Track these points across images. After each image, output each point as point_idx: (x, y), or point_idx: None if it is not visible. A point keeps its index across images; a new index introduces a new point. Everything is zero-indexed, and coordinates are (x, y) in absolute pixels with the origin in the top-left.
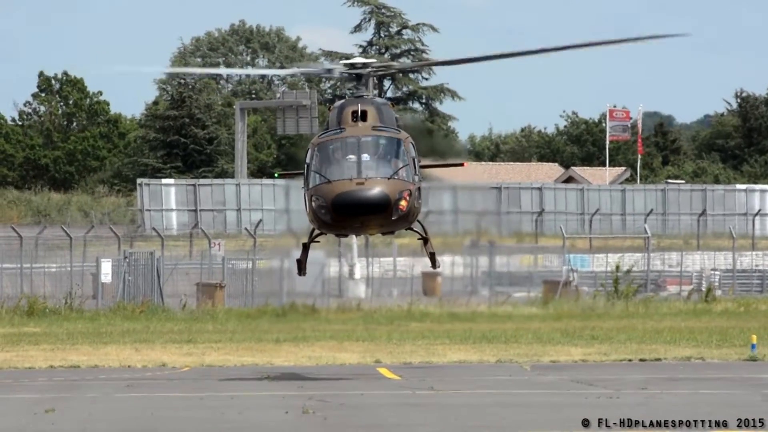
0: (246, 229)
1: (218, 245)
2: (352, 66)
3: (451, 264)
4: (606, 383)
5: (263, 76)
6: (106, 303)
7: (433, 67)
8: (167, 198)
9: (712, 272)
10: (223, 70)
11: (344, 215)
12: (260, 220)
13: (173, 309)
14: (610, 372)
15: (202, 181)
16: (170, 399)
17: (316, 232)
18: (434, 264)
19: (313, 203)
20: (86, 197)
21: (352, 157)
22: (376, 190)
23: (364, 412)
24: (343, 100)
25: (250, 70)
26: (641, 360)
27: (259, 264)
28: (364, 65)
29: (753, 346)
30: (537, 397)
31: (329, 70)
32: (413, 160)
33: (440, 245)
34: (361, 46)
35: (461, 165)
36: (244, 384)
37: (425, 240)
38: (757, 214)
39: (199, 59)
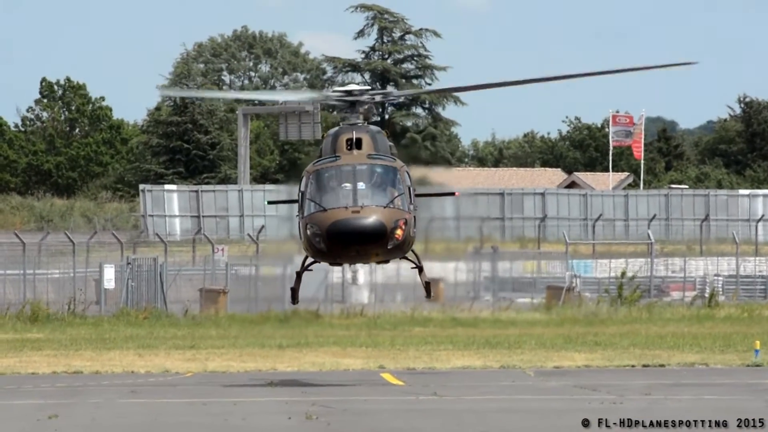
0: (249, 234)
1: (221, 251)
2: (348, 93)
3: (454, 270)
4: (609, 389)
5: (266, 82)
6: (109, 309)
7: (435, 72)
8: (170, 204)
9: (716, 278)
10: (211, 93)
11: (339, 243)
12: (263, 226)
13: (176, 315)
14: (613, 378)
15: (204, 187)
16: (173, 405)
17: (310, 260)
18: (429, 294)
19: (307, 231)
20: (89, 203)
21: (348, 186)
22: (372, 219)
23: (368, 418)
24: (337, 128)
25: (240, 94)
26: (644, 366)
27: (262, 270)
28: (360, 93)
29: (756, 352)
30: (540, 403)
31: (325, 97)
32: (409, 189)
33: (443, 251)
34: (363, 51)
35: (453, 194)
36: (248, 390)
37: (420, 269)
38: (760, 220)
39: (201, 65)
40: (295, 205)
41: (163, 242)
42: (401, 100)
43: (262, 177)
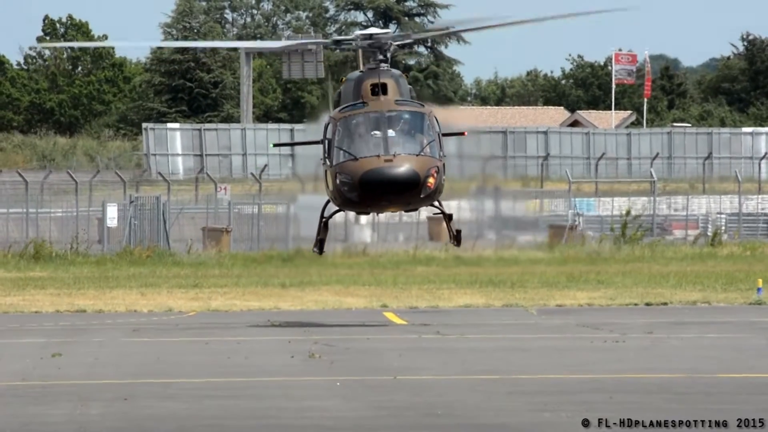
0: (252, 173)
1: (224, 190)
2: (369, 37)
3: (457, 208)
4: (612, 327)
5: (268, 19)
6: (112, 248)
7: (438, 11)
8: (173, 142)
9: (718, 216)
10: (221, 43)
11: (372, 193)
12: (266, 165)
13: (179, 253)
14: (616, 316)
15: (207, 125)
16: (176, 344)
17: (335, 208)
18: (459, 242)
19: (337, 180)
20: (92, 142)
21: (378, 133)
22: (405, 167)
23: (371, 357)
24: (359, 73)
25: (255, 43)
26: (647, 304)
27: (265, 208)
28: (383, 36)
29: (759, 290)
30: (543, 342)
31: (337, 42)
32: (438, 135)
33: (446, 190)
34: None
35: (462, 134)
36: (251, 329)
37: (449, 217)
38: (763, 158)
39: (203, 2)
40: (302, 146)
41: (166, 181)
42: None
43: (264, 116)
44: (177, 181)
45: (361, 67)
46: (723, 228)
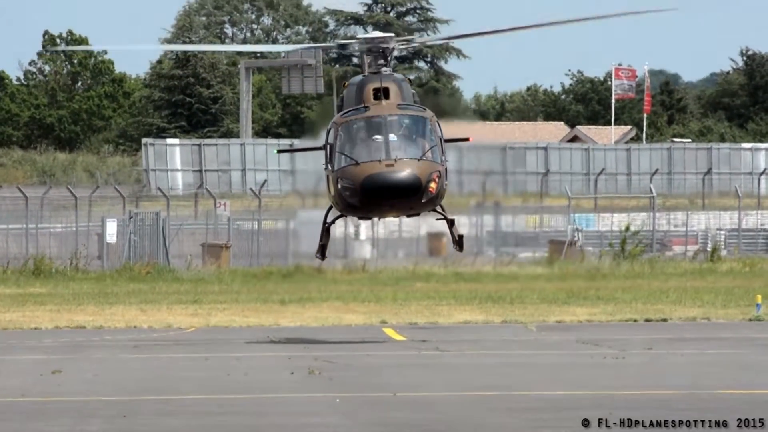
0: (251, 189)
1: (224, 205)
2: (372, 41)
3: (456, 224)
4: (611, 343)
5: (268, 34)
6: (112, 263)
7: (438, 26)
8: (172, 158)
9: (718, 232)
10: (224, 47)
11: (373, 198)
12: (265, 180)
13: (179, 269)
14: (615, 332)
15: (206, 141)
16: (176, 360)
17: (337, 213)
18: (461, 247)
19: (338, 185)
20: (91, 157)
21: (380, 138)
22: (406, 172)
23: (370, 373)
24: (361, 77)
25: (259, 47)
26: (646, 320)
27: (265, 224)
28: (385, 40)
29: (758, 306)
30: (542, 358)
31: (343, 46)
32: (440, 139)
33: (445, 205)
34: (366, 4)
35: (467, 140)
36: (250, 345)
37: (451, 222)
38: (762, 173)
39: (203, 18)
40: (303, 157)
41: (166, 196)
42: (406, 49)
43: (264, 131)
44: (176, 197)
45: (365, 72)
46: (722, 244)
